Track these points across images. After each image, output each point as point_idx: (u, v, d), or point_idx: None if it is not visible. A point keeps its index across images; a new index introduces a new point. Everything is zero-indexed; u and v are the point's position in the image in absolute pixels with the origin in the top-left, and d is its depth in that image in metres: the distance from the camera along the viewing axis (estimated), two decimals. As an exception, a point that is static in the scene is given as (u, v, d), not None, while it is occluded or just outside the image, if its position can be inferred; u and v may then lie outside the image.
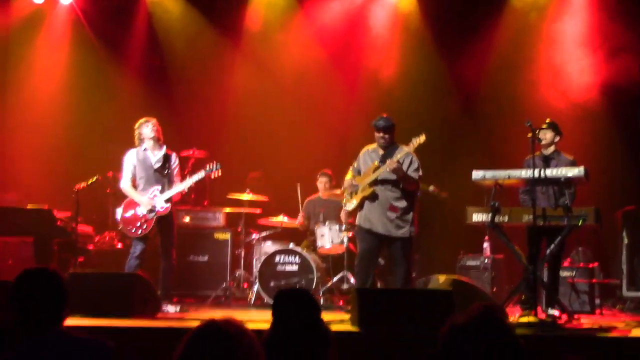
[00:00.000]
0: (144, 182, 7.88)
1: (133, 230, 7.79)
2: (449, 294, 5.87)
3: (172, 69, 11.35)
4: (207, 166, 7.95)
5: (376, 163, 7.51)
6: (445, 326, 2.10)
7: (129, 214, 7.85)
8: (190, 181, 7.83)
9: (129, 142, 8.01)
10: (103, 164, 9.92)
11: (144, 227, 7.74)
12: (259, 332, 2.54)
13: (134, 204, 7.83)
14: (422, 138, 7.35)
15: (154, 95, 10.83)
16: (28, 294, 3.00)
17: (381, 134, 7.51)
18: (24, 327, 2.98)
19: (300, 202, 9.56)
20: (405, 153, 7.44)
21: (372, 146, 7.72)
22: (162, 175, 7.86)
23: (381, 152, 7.57)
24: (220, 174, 8.00)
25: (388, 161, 7.35)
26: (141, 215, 7.76)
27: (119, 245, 9.84)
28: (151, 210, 7.73)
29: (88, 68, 11.03)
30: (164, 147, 7.98)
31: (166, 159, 7.92)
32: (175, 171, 7.91)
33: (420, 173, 7.52)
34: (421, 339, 5.51)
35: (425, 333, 5.56)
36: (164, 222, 7.82)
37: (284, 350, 2.92)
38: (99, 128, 10.68)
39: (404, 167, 7.43)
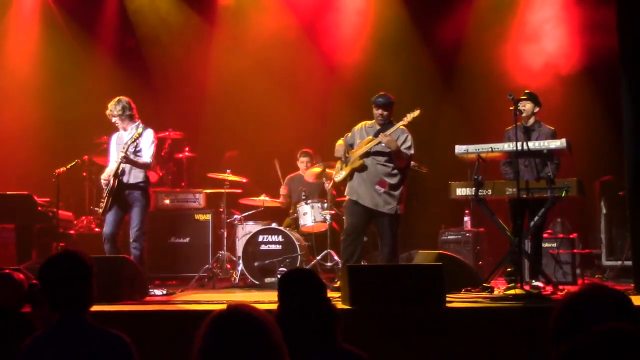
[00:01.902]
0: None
1: (101, 211, 7.69)
2: (439, 268, 5.88)
3: (146, 49, 11.14)
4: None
5: (370, 137, 7.53)
6: (562, 298, 2.21)
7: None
8: (115, 165, 7.45)
9: (105, 125, 7.84)
10: (79, 148, 9.78)
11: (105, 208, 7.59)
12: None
13: None
14: (416, 112, 7.40)
15: (128, 76, 10.63)
16: (53, 276, 3.17)
17: (380, 111, 7.53)
18: (54, 308, 3.13)
19: (280, 177, 9.53)
20: (400, 129, 7.47)
21: (370, 122, 7.73)
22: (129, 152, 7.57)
23: (377, 127, 7.58)
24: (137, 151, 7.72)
25: (380, 135, 7.37)
26: (104, 196, 7.62)
27: (97, 229, 9.71)
28: (106, 191, 7.59)
29: (60, 51, 10.75)
30: (135, 124, 7.68)
31: (135, 135, 7.58)
32: (145, 147, 7.52)
33: (412, 151, 7.54)
34: (413, 314, 5.55)
35: (417, 308, 5.61)
36: (128, 204, 7.59)
37: (294, 329, 2.96)
38: (73, 112, 10.44)
39: (397, 143, 7.43)
